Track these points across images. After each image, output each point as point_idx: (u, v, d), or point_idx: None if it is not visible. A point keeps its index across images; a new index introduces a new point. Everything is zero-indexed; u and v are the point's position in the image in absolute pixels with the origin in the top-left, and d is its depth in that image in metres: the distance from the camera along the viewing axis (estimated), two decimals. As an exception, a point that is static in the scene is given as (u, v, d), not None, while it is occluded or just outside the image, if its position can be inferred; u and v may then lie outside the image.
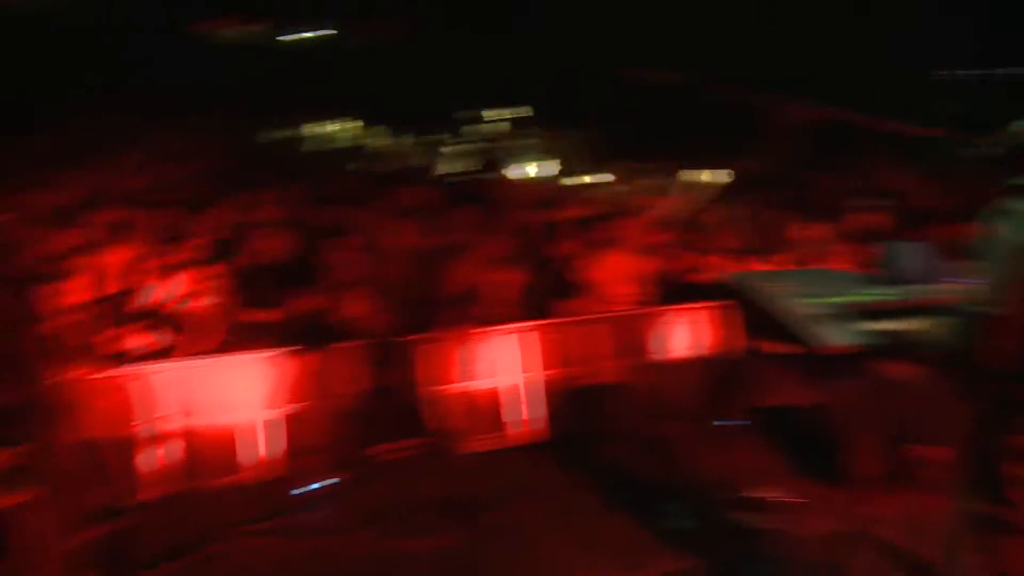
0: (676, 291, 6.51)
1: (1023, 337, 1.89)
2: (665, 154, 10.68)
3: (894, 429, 3.04)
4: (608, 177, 12.19)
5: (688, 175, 9.74)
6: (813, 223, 7.48)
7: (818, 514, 3.48)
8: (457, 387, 5.44)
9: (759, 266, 6.78)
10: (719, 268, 6.89)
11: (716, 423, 4.61)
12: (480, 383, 5.52)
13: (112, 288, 5.14)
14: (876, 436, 3.23)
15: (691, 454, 4.52)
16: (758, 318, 2.75)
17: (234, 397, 4.92)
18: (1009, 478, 1.97)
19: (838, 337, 2.59)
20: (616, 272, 6.43)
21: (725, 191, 8.95)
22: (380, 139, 14.92)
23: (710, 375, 4.77)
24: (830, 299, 2.93)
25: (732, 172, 9.35)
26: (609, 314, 6.12)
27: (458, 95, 14.78)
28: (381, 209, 6.66)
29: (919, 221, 7.47)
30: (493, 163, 13.89)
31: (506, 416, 5.56)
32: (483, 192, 8.39)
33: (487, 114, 16.39)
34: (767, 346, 2.81)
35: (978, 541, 2.07)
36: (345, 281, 5.47)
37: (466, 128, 16.05)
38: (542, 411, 5.62)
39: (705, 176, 10.14)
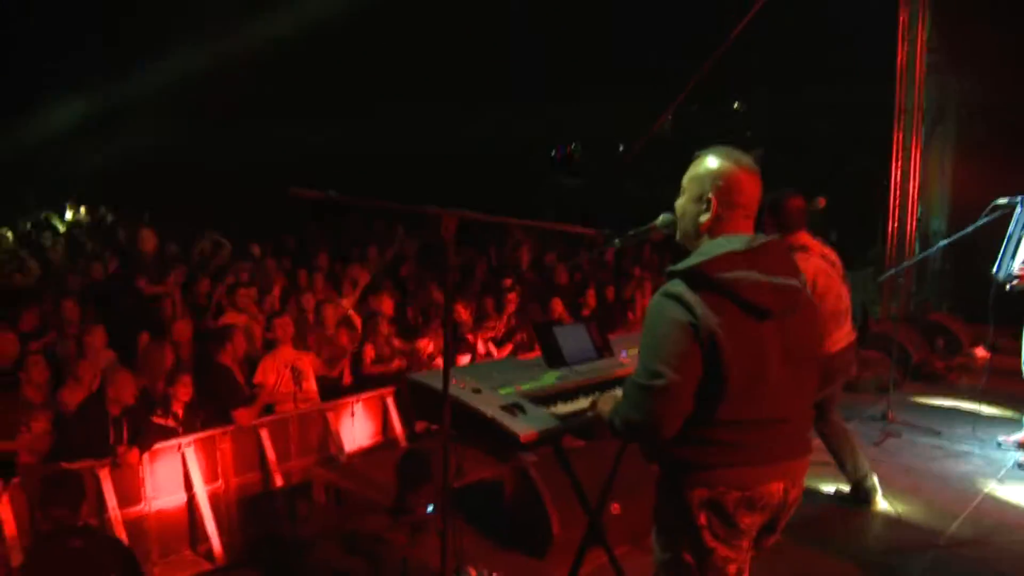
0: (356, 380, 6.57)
1: (683, 405, 2.14)
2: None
3: (587, 494, 3.33)
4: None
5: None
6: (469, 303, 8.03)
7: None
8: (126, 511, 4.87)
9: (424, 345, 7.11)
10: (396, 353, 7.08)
11: (413, 512, 4.72)
12: (152, 503, 5.00)
13: None
14: (572, 502, 3.48)
15: (394, 547, 4.57)
16: (438, 411, 2.90)
17: None
18: (700, 527, 2.24)
19: (526, 426, 2.75)
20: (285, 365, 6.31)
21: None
22: None
23: (399, 465, 4.88)
24: (509, 389, 3.12)
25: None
26: (286, 413, 5.98)
27: None
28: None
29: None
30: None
31: (183, 536, 5.10)
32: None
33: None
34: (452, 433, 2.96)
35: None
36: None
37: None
38: (222, 527, 5.26)
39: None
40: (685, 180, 2.41)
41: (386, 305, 7.57)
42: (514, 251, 10.81)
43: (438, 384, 2.75)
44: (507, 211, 3.05)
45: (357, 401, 6.24)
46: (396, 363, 6.90)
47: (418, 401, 3.29)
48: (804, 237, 4.55)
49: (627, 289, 9.79)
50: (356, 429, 6.18)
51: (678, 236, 2.45)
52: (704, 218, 2.33)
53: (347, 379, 6.67)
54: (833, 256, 4.61)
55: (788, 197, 4.47)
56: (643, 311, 9.95)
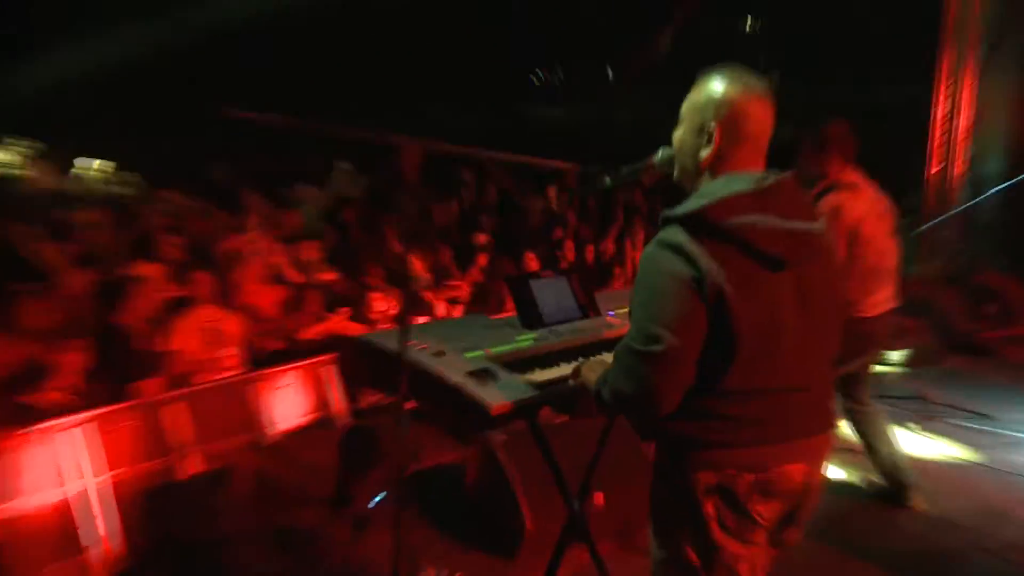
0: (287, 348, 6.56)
1: (685, 373, 2.18)
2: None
3: (567, 481, 3.37)
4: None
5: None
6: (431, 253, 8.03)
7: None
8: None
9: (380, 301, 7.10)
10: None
11: (357, 503, 4.75)
12: (30, 499, 4.96)
13: None
14: (548, 491, 3.49)
15: (333, 545, 4.60)
16: (392, 377, 2.91)
17: None
18: (706, 518, 2.29)
19: (497, 394, 2.78)
20: (204, 330, 6.28)
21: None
22: None
23: (340, 446, 4.89)
24: (478, 352, 3.15)
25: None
26: (202, 385, 5.95)
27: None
28: None
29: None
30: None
31: (71, 538, 5.07)
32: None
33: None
34: (408, 405, 2.99)
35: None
36: None
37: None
38: (122, 523, 5.24)
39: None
40: (684, 108, 2.46)
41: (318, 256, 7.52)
42: (485, 197, 10.78)
43: (392, 345, 2.75)
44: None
45: (290, 370, 6.22)
46: (336, 324, 6.89)
47: (366, 367, 3.31)
48: (852, 173, 4.57)
49: (613, 239, 9.81)
50: (288, 404, 6.17)
51: (676, 174, 2.51)
52: (705, 153, 2.38)
53: (278, 344, 6.65)
54: (885, 203, 4.63)
55: (831, 123, 4.49)
56: (634, 265, 9.98)
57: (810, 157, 4.51)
